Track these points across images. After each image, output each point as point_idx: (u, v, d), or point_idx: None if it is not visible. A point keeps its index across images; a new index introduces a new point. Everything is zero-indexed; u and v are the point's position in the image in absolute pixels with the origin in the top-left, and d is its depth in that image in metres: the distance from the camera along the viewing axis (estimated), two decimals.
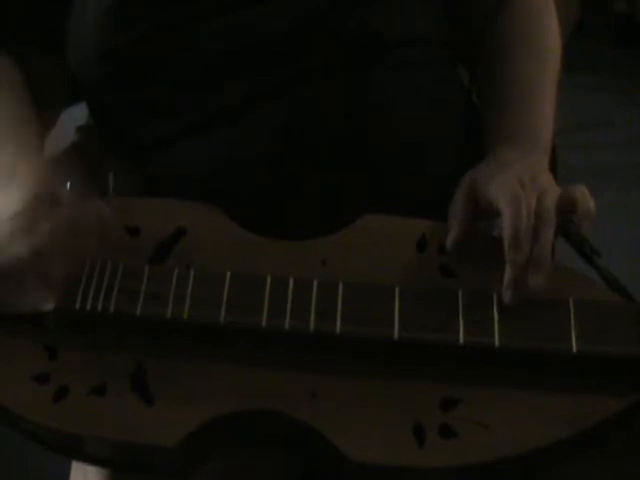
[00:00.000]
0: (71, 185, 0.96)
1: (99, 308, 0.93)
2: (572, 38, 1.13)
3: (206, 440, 0.90)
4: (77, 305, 0.93)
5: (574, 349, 0.90)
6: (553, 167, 1.14)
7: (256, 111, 1.02)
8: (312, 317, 0.91)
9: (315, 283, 0.93)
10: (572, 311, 0.91)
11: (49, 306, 0.93)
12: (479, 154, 1.11)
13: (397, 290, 0.92)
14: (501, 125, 1.07)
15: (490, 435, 0.88)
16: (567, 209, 0.93)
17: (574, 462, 0.91)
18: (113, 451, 0.93)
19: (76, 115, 1.21)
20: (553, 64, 1.13)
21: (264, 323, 0.91)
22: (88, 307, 0.93)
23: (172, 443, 0.88)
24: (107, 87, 1.08)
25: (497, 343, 0.90)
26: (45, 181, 0.94)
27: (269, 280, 0.93)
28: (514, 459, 0.88)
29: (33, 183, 0.94)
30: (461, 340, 0.90)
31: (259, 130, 1.02)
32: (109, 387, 0.91)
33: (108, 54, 1.05)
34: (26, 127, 1.05)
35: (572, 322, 0.91)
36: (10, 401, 0.91)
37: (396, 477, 0.90)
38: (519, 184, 0.94)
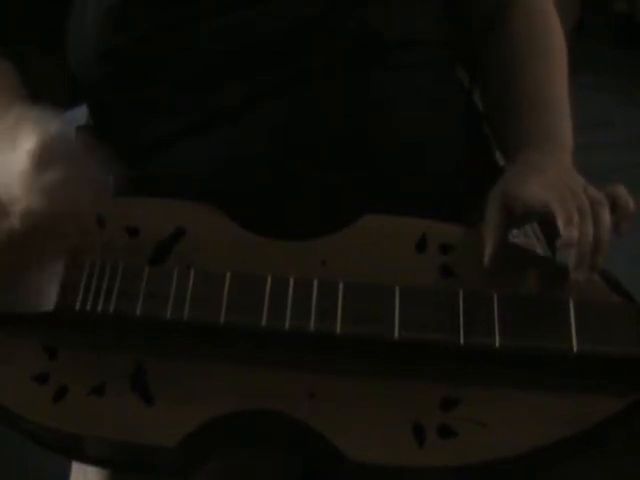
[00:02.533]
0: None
1: (99, 308, 0.93)
2: (572, 38, 1.12)
3: (206, 440, 0.90)
4: (77, 305, 0.93)
5: (574, 349, 0.90)
6: None
7: (256, 111, 1.02)
8: (312, 317, 0.91)
9: (315, 283, 0.93)
10: (572, 311, 0.91)
11: (49, 306, 0.93)
12: (479, 154, 1.11)
13: (397, 290, 0.92)
14: (523, 128, 1.07)
15: (490, 435, 0.88)
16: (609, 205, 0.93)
17: (574, 462, 0.91)
18: (113, 451, 0.93)
19: (76, 115, 1.20)
20: (562, 63, 1.13)
21: (264, 323, 0.91)
22: (88, 307, 0.93)
23: (172, 443, 0.88)
24: (107, 87, 1.08)
25: (497, 343, 0.90)
26: (50, 140, 0.93)
27: (269, 280, 0.93)
28: (514, 459, 0.88)
29: (38, 134, 0.92)
30: (461, 340, 0.90)
31: (259, 130, 1.02)
32: (109, 387, 0.91)
33: (108, 54, 1.05)
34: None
35: (572, 322, 0.91)
36: (10, 401, 0.91)
37: (396, 477, 0.90)
38: (560, 183, 0.94)
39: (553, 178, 0.95)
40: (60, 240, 0.94)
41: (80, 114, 1.20)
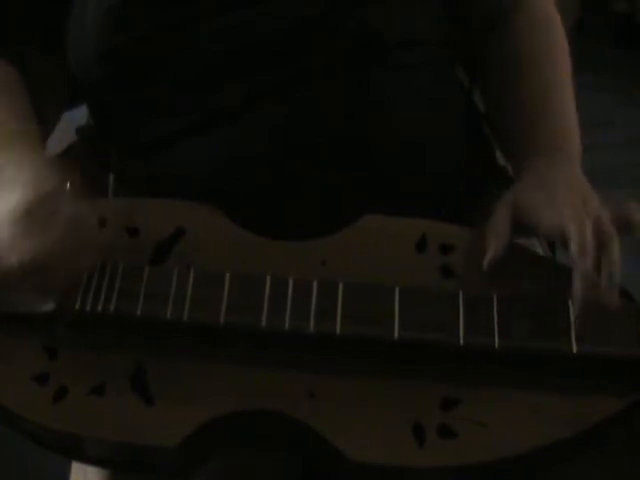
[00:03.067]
0: (71, 185, 0.95)
1: (99, 308, 0.93)
2: (572, 38, 1.12)
3: (206, 440, 0.90)
4: (77, 306, 0.93)
5: (574, 349, 0.90)
6: None
7: (256, 111, 1.02)
8: (312, 317, 0.91)
9: (315, 283, 0.93)
10: (572, 311, 0.91)
11: (49, 306, 0.93)
12: (479, 154, 1.11)
13: (397, 290, 0.92)
14: (529, 133, 1.06)
15: (490, 435, 0.88)
16: (621, 227, 0.93)
17: (574, 462, 0.91)
18: (113, 451, 0.93)
19: (76, 115, 1.21)
20: (567, 63, 1.12)
21: (264, 323, 0.91)
22: (88, 307, 0.93)
23: (172, 443, 0.88)
24: (107, 87, 1.08)
25: (497, 343, 0.90)
26: (46, 184, 0.93)
27: (269, 280, 0.93)
28: (514, 459, 0.88)
29: (34, 187, 0.93)
30: (461, 340, 0.90)
31: (259, 130, 1.01)
32: (109, 387, 0.91)
33: (108, 54, 1.05)
34: (25, 129, 1.05)
35: (572, 322, 0.91)
36: (10, 401, 0.91)
37: (396, 477, 0.90)
38: (575, 207, 0.94)
39: (567, 198, 0.95)
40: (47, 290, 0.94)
41: (80, 114, 1.20)
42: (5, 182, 0.95)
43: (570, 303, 0.91)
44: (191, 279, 0.94)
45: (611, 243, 0.92)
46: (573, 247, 0.92)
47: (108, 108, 1.10)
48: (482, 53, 1.15)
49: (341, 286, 0.93)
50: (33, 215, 0.92)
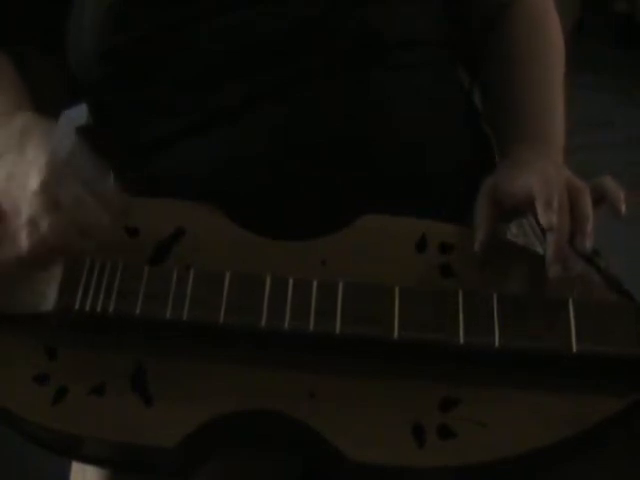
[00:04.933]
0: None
1: (99, 308, 0.93)
2: (572, 38, 1.12)
3: (206, 440, 0.90)
4: (77, 305, 0.93)
5: (574, 349, 0.89)
6: None
7: (256, 111, 1.02)
8: (312, 317, 0.91)
9: (315, 283, 0.93)
10: (572, 311, 0.91)
11: (49, 306, 0.93)
12: (479, 154, 1.11)
13: (397, 290, 0.92)
14: (517, 127, 1.07)
15: (490, 435, 0.88)
16: (597, 197, 0.93)
17: (574, 462, 0.91)
18: (113, 451, 0.93)
19: (76, 115, 1.20)
20: (560, 63, 1.13)
21: (263, 323, 0.91)
22: (88, 307, 0.93)
23: (172, 443, 0.88)
24: (107, 87, 1.08)
25: (497, 343, 0.90)
26: (59, 161, 0.91)
27: (269, 280, 0.93)
28: (514, 459, 0.88)
29: (47, 163, 0.90)
30: (461, 340, 0.90)
31: (259, 130, 1.01)
32: (109, 387, 0.91)
33: (108, 54, 1.05)
34: (31, 113, 1.04)
35: (572, 322, 0.91)
36: (10, 402, 0.91)
37: (396, 477, 0.90)
38: (546, 173, 0.94)
39: (539, 169, 0.96)
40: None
41: (80, 114, 1.20)
42: (18, 145, 0.93)
43: (570, 303, 0.91)
44: (191, 279, 0.94)
45: (581, 196, 0.92)
46: (538, 203, 0.92)
47: (108, 108, 1.10)
48: (481, 53, 1.15)
49: (341, 286, 0.93)
50: (56, 182, 0.89)
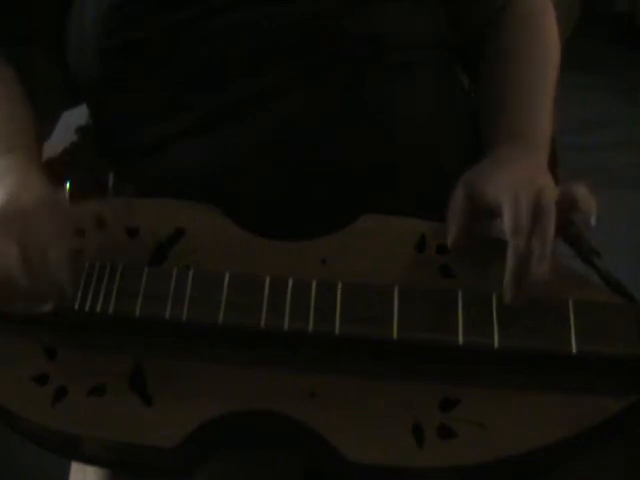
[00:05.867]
0: (71, 185, 0.96)
1: (98, 309, 0.93)
2: (572, 38, 1.13)
3: (206, 440, 0.90)
4: (76, 306, 0.93)
5: (574, 349, 0.89)
6: (554, 168, 1.14)
7: (256, 111, 1.02)
8: (311, 317, 0.91)
9: (314, 283, 0.93)
10: (572, 311, 0.91)
11: (49, 306, 0.93)
12: (479, 154, 1.11)
13: (396, 290, 0.92)
14: (500, 124, 1.08)
15: (490, 435, 0.88)
16: (568, 206, 0.93)
17: (574, 462, 0.91)
18: (112, 451, 0.93)
19: (76, 115, 1.21)
20: (553, 64, 1.13)
21: (263, 324, 0.91)
22: (87, 308, 0.93)
23: (171, 443, 0.88)
24: (107, 87, 1.08)
25: (496, 344, 0.90)
26: (40, 188, 0.94)
27: (268, 280, 0.93)
28: (514, 459, 0.88)
29: (26, 191, 0.93)
30: (460, 340, 0.90)
31: (259, 130, 1.02)
32: (108, 388, 0.91)
33: (108, 54, 1.05)
34: (21, 128, 1.05)
35: (572, 322, 0.91)
36: (9, 402, 0.91)
37: (396, 477, 0.89)
38: (517, 183, 0.94)
39: (514, 176, 0.96)
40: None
41: (80, 114, 1.20)
42: None
43: (570, 303, 0.91)
44: (190, 279, 0.94)
45: (545, 217, 0.91)
46: (505, 219, 0.92)
47: (108, 108, 1.10)
48: (478, 52, 1.15)
49: (340, 286, 0.93)
50: (22, 218, 0.92)
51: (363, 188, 1.01)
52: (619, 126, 2.67)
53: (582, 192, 0.94)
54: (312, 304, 0.92)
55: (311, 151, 1.01)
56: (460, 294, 0.92)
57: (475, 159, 1.09)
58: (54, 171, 1.13)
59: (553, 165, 1.13)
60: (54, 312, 0.93)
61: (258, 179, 1.01)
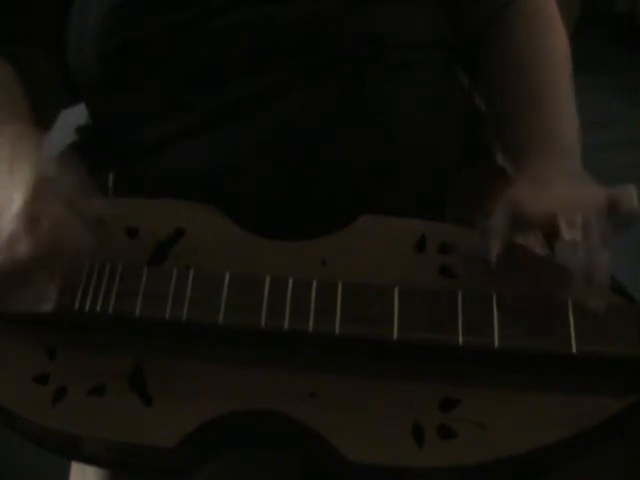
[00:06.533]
0: (72, 184, 0.96)
1: (98, 309, 0.93)
2: (572, 38, 1.12)
3: (206, 440, 0.90)
4: (76, 306, 0.93)
5: (574, 349, 0.89)
6: None
7: (256, 111, 1.02)
8: (311, 317, 0.91)
9: (314, 283, 0.93)
10: (572, 311, 0.91)
11: (49, 306, 0.93)
12: (479, 154, 1.11)
13: (396, 290, 0.92)
14: (527, 132, 1.06)
15: (490, 435, 0.88)
16: (612, 212, 0.93)
17: (574, 462, 0.91)
18: (112, 451, 0.93)
19: (76, 115, 1.21)
20: (566, 64, 1.12)
21: (263, 324, 0.91)
22: (87, 308, 0.93)
23: (171, 443, 0.88)
24: (107, 87, 1.08)
25: (497, 344, 0.90)
26: (44, 180, 0.94)
27: (268, 280, 0.93)
28: (514, 459, 0.88)
29: (32, 182, 0.93)
30: (460, 341, 0.90)
31: (259, 130, 1.02)
32: (108, 388, 0.91)
33: (108, 54, 1.05)
34: (23, 126, 1.04)
35: (572, 322, 0.91)
36: (9, 401, 0.91)
37: (395, 477, 0.90)
38: (565, 200, 0.94)
39: (559, 191, 0.95)
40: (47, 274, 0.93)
41: (80, 114, 1.20)
42: (5, 176, 0.95)
43: (570, 303, 0.91)
44: (190, 279, 0.94)
45: (599, 248, 0.91)
46: (561, 221, 0.91)
47: (108, 108, 1.10)
48: (481, 53, 1.15)
49: (340, 286, 0.93)
50: (32, 211, 0.91)
51: (363, 188, 1.01)
52: (619, 126, 2.67)
53: (627, 196, 0.93)
54: (312, 304, 0.92)
55: (311, 151, 1.01)
56: (460, 294, 0.92)
57: (475, 159, 1.09)
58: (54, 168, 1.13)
59: None
60: (54, 312, 0.93)
61: (258, 179, 1.01)
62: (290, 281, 0.93)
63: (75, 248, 0.92)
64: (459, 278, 0.95)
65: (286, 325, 0.91)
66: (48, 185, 0.93)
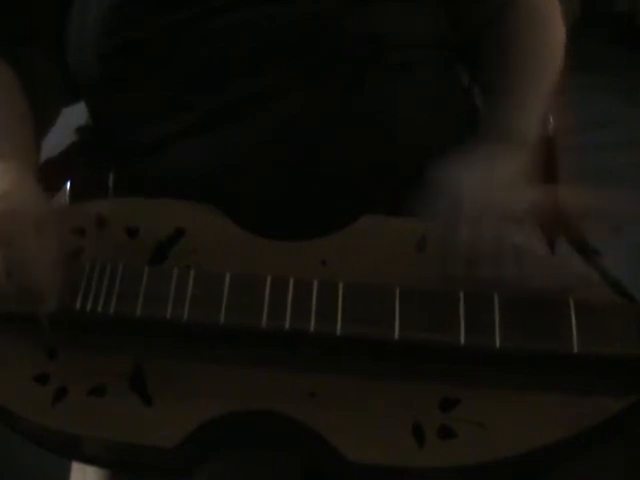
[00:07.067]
0: (71, 185, 0.96)
1: (99, 309, 0.93)
2: (572, 38, 1.12)
3: (206, 440, 0.90)
4: (77, 306, 0.93)
5: (575, 350, 0.89)
6: (554, 168, 1.14)
7: (256, 111, 1.02)
8: (312, 318, 0.91)
9: (315, 283, 0.93)
10: (572, 311, 0.91)
11: (49, 307, 0.93)
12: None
13: (397, 291, 0.92)
14: (489, 119, 1.07)
15: (490, 436, 0.88)
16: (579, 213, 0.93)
17: (574, 462, 0.91)
18: (112, 451, 0.93)
19: (76, 115, 1.20)
20: (552, 67, 1.12)
21: (264, 324, 0.91)
22: (88, 308, 0.93)
23: (172, 443, 0.88)
24: (107, 87, 1.08)
25: (498, 344, 0.90)
26: (31, 191, 0.94)
27: (269, 281, 0.93)
28: (514, 459, 0.88)
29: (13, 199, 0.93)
30: (462, 341, 0.90)
31: (259, 130, 1.02)
32: (108, 388, 0.91)
33: (108, 54, 1.05)
34: (18, 130, 1.05)
35: (573, 322, 0.91)
36: (10, 402, 0.91)
37: (395, 477, 0.90)
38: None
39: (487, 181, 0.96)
40: None
41: (80, 114, 1.20)
42: None
43: (570, 303, 0.91)
44: (191, 279, 0.94)
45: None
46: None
47: (108, 108, 1.10)
48: (479, 51, 1.15)
49: (341, 286, 0.93)
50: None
51: (363, 188, 1.01)
52: (619, 126, 2.67)
53: (575, 196, 0.94)
54: (313, 305, 0.92)
55: (311, 151, 1.01)
56: (461, 294, 0.92)
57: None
58: (54, 171, 1.13)
59: (553, 165, 1.13)
60: (54, 312, 0.93)
61: (258, 179, 1.01)
62: (291, 281, 0.93)
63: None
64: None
65: (287, 325, 0.91)
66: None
